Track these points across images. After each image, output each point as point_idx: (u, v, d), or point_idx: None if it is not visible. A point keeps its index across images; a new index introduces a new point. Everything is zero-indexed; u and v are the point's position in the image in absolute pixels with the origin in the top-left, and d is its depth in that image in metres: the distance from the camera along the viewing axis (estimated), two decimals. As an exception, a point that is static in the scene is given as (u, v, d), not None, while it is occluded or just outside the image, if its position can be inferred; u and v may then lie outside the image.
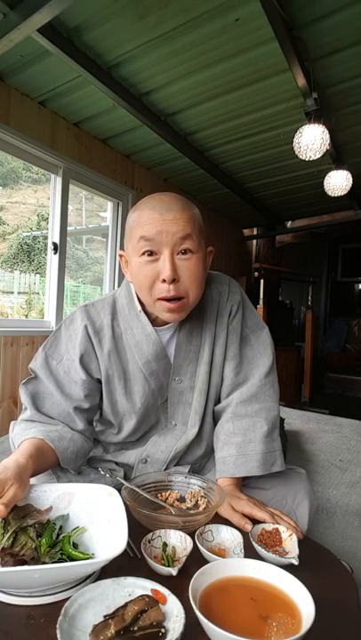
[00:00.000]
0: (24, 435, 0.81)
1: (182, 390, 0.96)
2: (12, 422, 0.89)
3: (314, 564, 0.66)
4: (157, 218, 0.78)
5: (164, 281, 0.79)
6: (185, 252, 0.79)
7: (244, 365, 0.97)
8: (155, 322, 0.92)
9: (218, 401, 1.00)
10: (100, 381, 0.94)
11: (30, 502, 0.69)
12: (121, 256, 0.90)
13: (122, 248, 0.92)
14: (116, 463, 1.01)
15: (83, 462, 0.92)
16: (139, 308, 0.91)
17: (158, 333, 0.91)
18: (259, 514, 0.76)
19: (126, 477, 0.98)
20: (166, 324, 0.92)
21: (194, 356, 0.95)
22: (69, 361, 0.91)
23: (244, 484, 0.92)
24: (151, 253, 0.79)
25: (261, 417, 0.93)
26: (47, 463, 0.80)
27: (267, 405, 0.94)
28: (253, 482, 0.93)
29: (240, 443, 0.89)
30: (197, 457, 1.01)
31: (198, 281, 0.82)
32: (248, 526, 0.74)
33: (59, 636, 0.45)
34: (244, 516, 0.77)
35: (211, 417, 1.00)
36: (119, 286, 1.00)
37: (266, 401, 0.95)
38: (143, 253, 0.80)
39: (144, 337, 0.91)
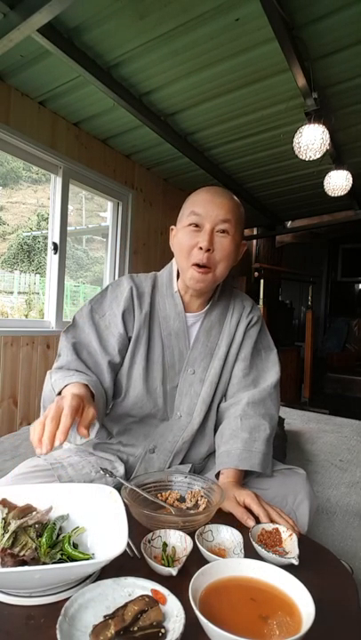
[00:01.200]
0: (66, 380, 0.85)
1: (192, 382, 1.04)
2: (49, 372, 0.94)
3: (314, 564, 0.67)
4: (209, 199, 0.96)
5: (200, 249, 0.94)
6: (223, 231, 0.95)
7: (253, 371, 1.07)
8: (185, 306, 1.05)
9: (224, 397, 1.08)
10: (129, 340, 1.03)
11: (30, 502, 0.69)
12: (171, 229, 1.07)
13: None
14: (120, 454, 1.03)
15: (101, 421, 0.98)
16: (175, 288, 1.05)
17: (186, 314, 1.04)
18: (255, 507, 0.78)
19: (131, 470, 1.00)
20: (193, 310, 1.06)
21: (209, 351, 1.05)
22: (112, 316, 1.02)
23: (245, 482, 0.93)
24: (197, 226, 0.96)
25: (266, 421, 0.99)
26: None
27: (271, 413, 1.02)
28: (254, 482, 0.94)
29: (247, 439, 0.94)
30: (201, 455, 1.05)
31: (227, 258, 0.97)
32: (250, 522, 0.75)
33: (59, 636, 0.45)
34: (246, 510, 0.79)
35: (215, 412, 1.06)
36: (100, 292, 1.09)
37: (271, 408, 1.02)
38: (190, 224, 0.96)
39: (174, 313, 1.04)
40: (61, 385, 0.84)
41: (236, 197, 1.01)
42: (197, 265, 0.95)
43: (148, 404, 1.02)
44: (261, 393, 1.03)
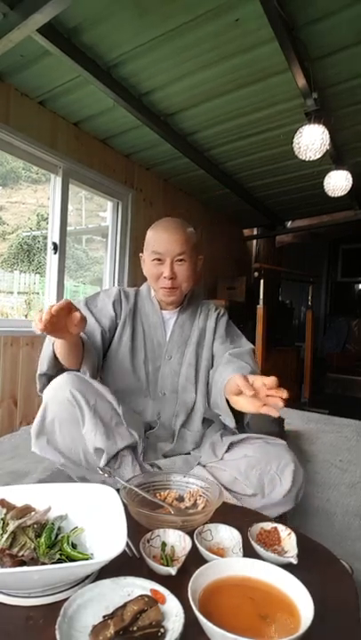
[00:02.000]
0: None
1: (171, 365, 1.26)
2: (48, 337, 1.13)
3: (314, 563, 0.66)
4: (166, 238, 1.19)
5: (165, 277, 1.19)
6: (180, 260, 1.19)
7: (230, 341, 1.29)
8: (161, 306, 1.31)
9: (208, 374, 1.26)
10: (116, 327, 1.26)
11: (29, 502, 0.69)
12: (141, 256, 1.29)
13: (141, 251, 1.32)
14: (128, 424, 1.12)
15: (94, 374, 1.15)
16: (153, 293, 1.30)
17: (162, 312, 1.30)
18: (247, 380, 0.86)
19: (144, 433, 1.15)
20: (168, 309, 1.30)
21: (183, 341, 1.29)
22: (103, 303, 1.27)
23: (229, 457, 1.08)
24: (159, 260, 1.20)
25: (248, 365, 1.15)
26: (79, 353, 1.07)
27: (251, 365, 1.14)
28: (240, 448, 1.08)
29: (237, 365, 1.12)
30: (198, 425, 1.23)
31: (188, 277, 1.22)
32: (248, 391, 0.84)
33: (58, 636, 0.45)
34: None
35: (204, 385, 1.25)
36: (118, 285, 1.28)
37: (250, 363, 1.16)
38: (154, 259, 1.20)
39: (152, 311, 1.30)
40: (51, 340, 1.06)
41: (187, 226, 1.23)
42: (165, 288, 1.20)
43: (133, 377, 1.23)
44: (240, 350, 1.22)
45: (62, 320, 0.88)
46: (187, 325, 1.30)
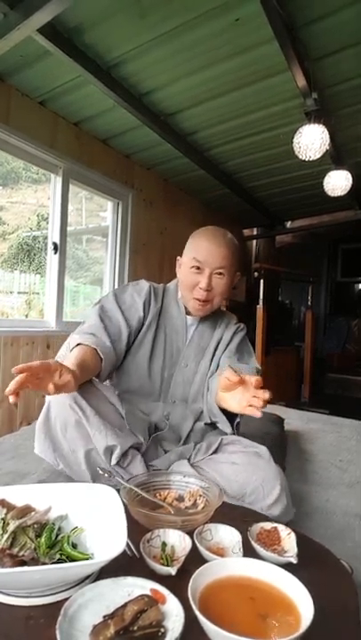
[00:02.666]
0: (80, 339, 1.06)
1: (185, 374, 1.23)
2: (72, 333, 1.17)
3: (314, 563, 0.67)
4: (209, 248, 1.14)
5: (201, 288, 1.14)
6: (219, 273, 1.15)
7: (236, 357, 1.25)
8: (186, 311, 1.27)
9: None
10: (142, 327, 1.22)
11: (29, 502, 0.69)
12: (178, 259, 1.25)
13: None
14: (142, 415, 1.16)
15: (105, 377, 1.15)
16: (180, 296, 1.27)
17: (186, 317, 1.26)
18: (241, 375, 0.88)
19: (150, 431, 1.14)
20: (191, 316, 1.27)
21: (201, 350, 1.26)
22: (133, 302, 1.22)
23: (217, 458, 1.07)
24: (198, 268, 1.15)
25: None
26: (90, 373, 1.03)
27: None
28: (230, 454, 1.06)
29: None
30: (204, 431, 1.22)
31: (223, 293, 1.18)
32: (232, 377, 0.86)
33: (58, 636, 0.45)
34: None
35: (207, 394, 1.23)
36: (119, 285, 1.25)
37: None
38: (193, 266, 1.15)
39: (177, 313, 1.26)
40: (75, 342, 1.05)
41: (233, 240, 1.19)
42: (198, 299, 1.15)
43: (148, 381, 1.21)
44: (243, 367, 1.18)
45: (45, 380, 0.82)
46: (206, 334, 1.27)
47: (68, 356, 1.01)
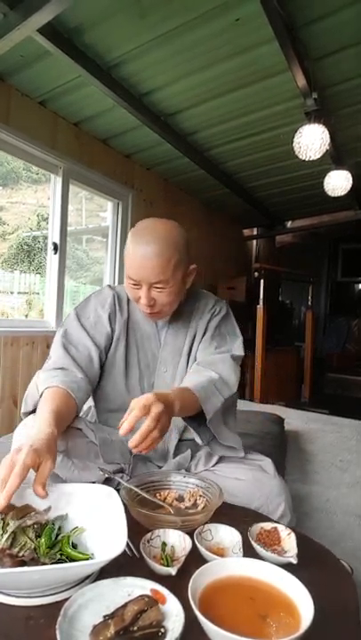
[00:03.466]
0: (48, 382, 0.95)
1: (166, 379, 1.12)
2: (38, 371, 1.03)
3: (314, 563, 0.66)
4: (139, 264, 0.98)
5: (143, 304, 1.01)
6: (159, 288, 1.00)
7: (217, 350, 1.12)
8: None
9: None
10: (111, 343, 1.12)
11: (29, 502, 0.69)
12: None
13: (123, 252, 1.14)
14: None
15: (78, 412, 1.02)
16: None
17: (155, 321, 1.13)
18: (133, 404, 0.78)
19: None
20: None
21: (178, 351, 1.14)
22: (97, 317, 1.11)
23: (220, 471, 0.99)
24: (135, 283, 1.01)
25: (212, 370, 1.03)
26: (68, 420, 0.93)
27: (222, 373, 1.03)
28: (233, 468, 0.99)
29: (196, 377, 1.01)
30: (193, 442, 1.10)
31: (170, 302, 1.04)
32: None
33: (58, 636, 0.45)
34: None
35: None
36: (118, 284, 1.17)
37: (224, 370, 1.04)
38: (130, 282, 1.02)
39: (145, 319, 1.13)
40: (45, 385, 0.94)
41: (168, 240, 0.99)
42: (146, 312, 1.04)
43: (127, 398, 1.02)
44: (215, 358, 1.07)
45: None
46: (181, 332, 1.14)
47: (40, 409, 0.88)
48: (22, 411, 1.04)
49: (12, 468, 0.65)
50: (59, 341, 1.07)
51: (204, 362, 1.07)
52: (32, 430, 0.80)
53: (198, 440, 0.98)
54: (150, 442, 0.75)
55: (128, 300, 1.14)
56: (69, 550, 0.61)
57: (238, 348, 1.13)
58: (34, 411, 1.00)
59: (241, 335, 1.17)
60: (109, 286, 1.19)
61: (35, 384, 0.99)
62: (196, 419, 0.96)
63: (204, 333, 1.13)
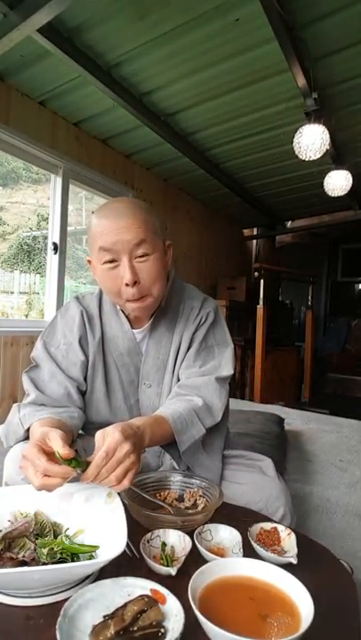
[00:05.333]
0: (35, 415, 0.85)
1: (150, 396, 1.01)
2: (16, 405, 0.92)
3: (314, 563, 0.66)
4: (112, 227, 0.83)
5: (127, 284, 0.86)
6: (142, 255, 0.86)
7: (198, 364, 1.00)
8: (131, 321, 1.01)
9: None
10: (87, 369, 1.00)
11: (29, 502, 0.69)
12: (89, 261, 0.95)
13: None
14: None
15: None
16: (118, 306, 0.99)
17: (133, 332, 1.00)
18: (98, 435, 0.68)
19: None
20: (141, 325, 1.01)
21: (162, 364, 1.01)
22: (67, 345, 0.98)
23: (222, 475, 0.94)
24: (112, 261, 0.86)
25: (195, 395, 0.93)
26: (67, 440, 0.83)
27: (206, 397, 0.93)
28: (231, 473, 0.96)
29: (175, 406, 0.90)
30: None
31: (159, 278, 0.89)
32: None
33: (58, 636, 0.45)
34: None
35: None
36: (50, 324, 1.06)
37: (208, 395, 0.94)
38: (105, 262, 0.86)
39: (120, 332, 1.00)
40: (31, 420, 0.84)
41: (138, 202, 0.89)
42: (131, 300, 0.89)
43: (114, 418, 0.99)
44: (196, 382, 0.95)
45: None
46: (164, 341, 1.00)
47: (33, 433, 0.78)
48: (5, 445, 0.93)
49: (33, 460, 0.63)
50: (32, 381, 0.94)
51: (187, 385, 0.95)
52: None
53: (176, 465, 0.91)
54: (106, 482, 0.65)
55: (100, 312, 1.02)
56: (71, 546, 0.61)
57: (227, 364, 1.00)
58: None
59: (231, 343, 1.05)
60: (77, 299, 1.04)
61: (17, 418, 0.87)
62: (174, 445, 0.87)
63: (189, 347, 1.00)
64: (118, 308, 1.00)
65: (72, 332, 0.99)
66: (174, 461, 0.91)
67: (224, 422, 1.01)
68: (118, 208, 0.86)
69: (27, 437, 0.88)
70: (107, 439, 0.66)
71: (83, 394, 0.99)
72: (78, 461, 0.64)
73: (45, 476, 0.62)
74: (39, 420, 0.82)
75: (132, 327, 1.01)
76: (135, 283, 0.86)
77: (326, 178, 2.92)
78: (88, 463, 0.64)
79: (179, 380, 1.00)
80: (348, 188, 2.91)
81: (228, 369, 0.99)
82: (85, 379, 0.99)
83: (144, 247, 0.85)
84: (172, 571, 0.59)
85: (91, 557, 0.60)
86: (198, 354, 1.00)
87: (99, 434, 0.68)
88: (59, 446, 0.63)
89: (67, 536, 0.64)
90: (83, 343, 0.99)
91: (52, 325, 1.03)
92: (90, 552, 0.60)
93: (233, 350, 1.04)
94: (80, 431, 1.02)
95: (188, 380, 0.97)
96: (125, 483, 0.65)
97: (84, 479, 0.64)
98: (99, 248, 0.85)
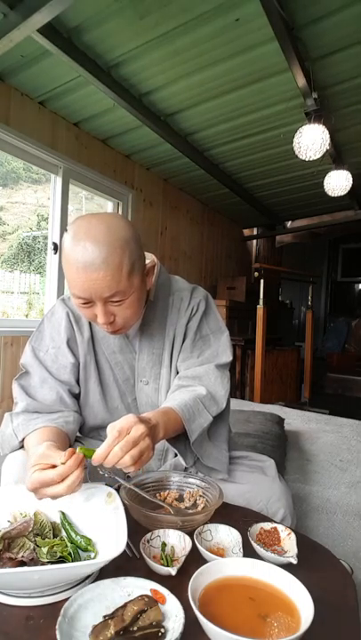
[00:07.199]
0: (30, 426, 0.84)
1: (148, 393, 1.00)
2: (7, 414, 0.91)
3: (313, 563, 0.66)
4: (83, 279, 0.78)
5: (101, 323, 0.85)
6: (116, 301, 0.82)
7: (196, 354, 1.01)
8: None
9: None
10: (79, 370, 0.99)
11: (29, 502, 0.69)
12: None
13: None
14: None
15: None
16: None
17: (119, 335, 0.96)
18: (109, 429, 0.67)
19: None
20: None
21: (157, 359, 1.00)
22: (55, 348, 0.97)
23: (209, 474, 0.92)
24: (86, 302, 0.83)
25: (197, 383, 0.94)
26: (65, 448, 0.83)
27: (210, 386, 0.93)
28: (232, 477, 0.95)
29: (180, 397, 0.90)
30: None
31: (133, 314, 0.87)
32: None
33: (58, 636, 0.45)
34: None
35: None
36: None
37: (212, 384, 0.94)
38: (79, 302, 0.84)
39: None
40: (26, 431, 0.84)
41: (113, 235, 0.78)
42: (107, 331, 0.88)
43: (110, 418, 0.96)
44: (196, 368, 0.95)
45: None
46: (157, 336, 0.99)
47: (30, 451, 0.78)
48: (0, 454, 0.92)
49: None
50: (22, 389, 0.93)
51: (187, 377, 0.95)
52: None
53: (183, 462, 0.91)
54: (121, 463, 0.64)
55: None
56: (72, 536, 0.61)
57: (225, 351, 1.00)
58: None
59: (226, 329, 1.04)
60: (62, 300, 1.02)
61: (10, 429, 0.87)
62: (180, 439, 0.88)
63: (184, 339, 1.00)
64: None
65: (59, 334, 0.97)
66: (181, 457, 0.90)
67: (227, 410, 1.01)
68: (87, 255, 0.76)
69: (21, 447, 0.88)
70: (121, 423, 0.67)
71: (76, 397, 0.98)
72: (87, 449, 0.64)
73: (60, 481, 0.62)
74: (33, 433, 0.82)
75: None
76: (111, 323, 0.85)
77: (326, 178, 2.92)
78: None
79: (178, 373, 1.00)
80: (348, 187, 2.91)
81: (226, 355, 0.99)
82: (78, 381, 0.98)
83: (118, 296, 0.81)
84: (172, 571, 0.59)
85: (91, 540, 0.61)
86: (194, 344, 0.99)
87: (109, 426, 0.68)
88: (58, 458, 0.63)
89: (68, 534, 0.64)
90: (71, 345, 0.97)
91: (39, 330, 1.01)
92: (85, 546, 0.61)
93: (228, 336, 1.03)
94: (78, 433, 1.02)
95: (187, 370, 0.97)
96: (137, 466, 0.65)
97: (95, 459, 0.64)
98: (73, 293, 0.83)
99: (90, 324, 0.99)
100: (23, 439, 0.85)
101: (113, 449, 0.64)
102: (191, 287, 1.05)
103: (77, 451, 0.64)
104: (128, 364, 1.00)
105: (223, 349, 1.00)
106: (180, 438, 0.88)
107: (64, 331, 0.97)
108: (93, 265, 0.77)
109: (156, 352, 0.99)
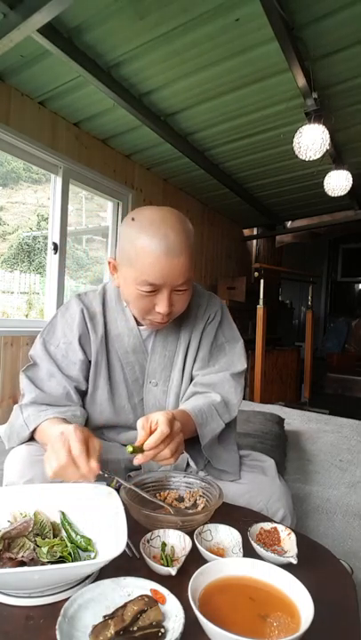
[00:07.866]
0: (41, 416, 0.86)
1: (156, 394, 1.01)
2: (17, 406, 0.92)
3: (314, 563, 0.66)
4: (162, 265, 0.81)
5: (160, 313, 0.87)
6: (182, 289, 0.86)
7: (212, 365, 1.03)
8: (137, 322, 0.99)
9: None
10: (90, 362, 1.00)
11: (29, 502, 0.69)
12: (110, 262, 0.94)
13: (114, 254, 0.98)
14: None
15: None
16: (125, 304, 0.98)
17: (139, 329, 0.99)
18: (142, 422, 0.74)
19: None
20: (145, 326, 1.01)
21: (168, 361, 1.01)
22: (66, 344, 0.97)
23: (220, 476, 0.94)
24: (151, 291, 0.84)
25: (211, 390, 0.97)
26: None
27: (225, 395, 0.96)
28: (227, 475, 0.95)
29: (196, 402, 0.93)
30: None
31: (185, 304, 0.91)
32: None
33: (58, 636, 0.45)
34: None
35: None
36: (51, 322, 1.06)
37: (227, 392, 0.97)
38: (143, 289, 0.84)
39: (126, 329, 0.99)
40: (37, 421, 0.85)
41: (188, 232, 0.84)
42: (155, 321, 0.90)
43: (117, 418, 1.01)
44: (213, 378, 0.98)
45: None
46: (170, 340, 1.00)
47: (47, 432, 0.82)
48: (7, 446, 0.93)
49: (66, 445, 0.67)
50: (30, 380, 0.94)
51: (203, 384, 0.98)
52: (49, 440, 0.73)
53: (193, 465, 0.92)
54: (160, 455, 0.70)
55: (104, 310, 1.00)
56: (72, 535, 0.61)
57: (239, 359, 1.02)
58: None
59: (241, 338, 1.07)
60: (78, 297, 1.02)
61: (21, 419, 0.88)
62: (192, 443, 0.89)
63: (199, 347, 1.01)
64: (125, 305, 0.98)
65: (72, 330, 0.97)
66: (191, 460, 0.92)
67: (235, 416, 1.02)
68: (170, 241, 0.80)
69: (31, 438, 0.89)
70: (157, 418, 0.71)
71: (82, 393, 0.99)
72: (134, 447, 0.70)
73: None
74: (45, 422, 0.84)
75: (138, 325, 0.99)
76: (169, 314, 0.88)
77: (326, 178, 2.92)
78: (141, 447, 0.70)
79: (192, 379, 1.02)
80: (348, 187, 2.91)
81: (241, 364, 1.02)
82: (86, 378, 0.98)
83: (186, 284, 0.85)
84: (172, 571, 0.59)
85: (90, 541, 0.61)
86: (211, 354, 1.02)
87: (142, 420, 0.72)
88: (93, 459, 0.68)
89: (68, 535, 0.64)
90: (83, 342, 0.97)
91: (51, 324, 1.01)
92: (84, 546, 0.61)
93: (243, 345, 1.06)
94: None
95: (203, 377, 0.99)
96: (172, 460, 0.70)
97: (147, 446, 0.69)
98: (144, 280, 0.83)
99: (105, 321, 0.99)
100: (34, 430, 0.86)
101: (157, 443, 0.69)
102: (207, 295, 1.07)
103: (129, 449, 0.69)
104: (139, 365, 1.00)
105: (238, 358, 1.02)
106: (190, 442, 0.89)
107: (77, 327, 0.97)
108: (175, 251, 0.80)
109: (169, 354, 1.00)
